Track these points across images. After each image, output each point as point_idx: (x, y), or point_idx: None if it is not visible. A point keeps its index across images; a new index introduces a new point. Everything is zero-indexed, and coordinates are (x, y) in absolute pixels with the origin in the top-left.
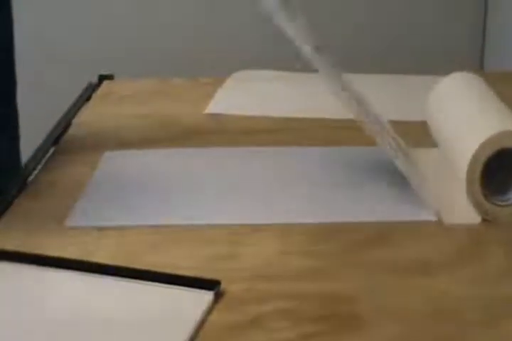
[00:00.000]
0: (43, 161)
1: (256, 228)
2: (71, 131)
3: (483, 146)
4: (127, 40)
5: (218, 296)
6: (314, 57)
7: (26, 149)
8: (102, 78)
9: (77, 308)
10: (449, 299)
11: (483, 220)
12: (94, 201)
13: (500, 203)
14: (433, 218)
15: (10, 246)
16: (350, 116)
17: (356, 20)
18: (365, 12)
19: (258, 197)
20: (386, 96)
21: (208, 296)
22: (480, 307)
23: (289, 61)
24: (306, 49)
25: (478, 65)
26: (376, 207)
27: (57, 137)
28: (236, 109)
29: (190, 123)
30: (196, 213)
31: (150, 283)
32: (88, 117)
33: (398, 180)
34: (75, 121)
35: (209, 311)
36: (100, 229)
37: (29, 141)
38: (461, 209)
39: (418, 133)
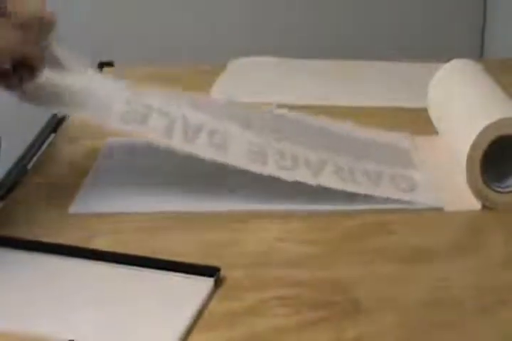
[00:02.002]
0: (43, 148)
1: (255, 215)
2: (71, 117)
3: (483, 133)
4: (127, 27)
5: (218, 283)
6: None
7: (26, 136)
8: (102, 65)
9: (75, 295)
10: (448, 287)
11: (484, 207)
12: (96, 188)
13: (500, 190)
14: (433, 205)
15: (10, 232)
16: (350, 102)
17: (358, 8)
18: (364, 1)
19: (258, 184)
20: (387, 84)
21: (208, 283)
22: (479, 295)
23: (289, 48)
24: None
25: (478, 52)
26: (375, 195)
27: (57, 124)
28: (236, 95)
29: None
30: (196, 200)
31: (150, 270)
32: None
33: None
34: None
35: (209, 298)
36: (101, 215)
37: (29, 127)
38: (461, 196)
39: (419, 121)
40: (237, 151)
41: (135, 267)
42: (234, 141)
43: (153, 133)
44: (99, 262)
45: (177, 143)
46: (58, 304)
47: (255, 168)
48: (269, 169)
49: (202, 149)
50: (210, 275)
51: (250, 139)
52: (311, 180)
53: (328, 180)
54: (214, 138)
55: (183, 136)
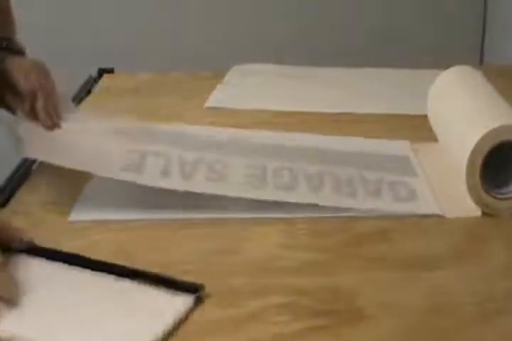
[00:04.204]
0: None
1: (257, 222)
2: None
3: (482, 140)
4: (127, 34)
5: (199, 301)
6: None
7: None
8: (102, 72)
9: (58, 301)
10: (448, 294)
11: (484, 213)
12: (96, 195)
13: (500, 196)
14: (434, 212)
15: None
16: (350, 109)
17: (356, 14)
18: (363, 8)
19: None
20: (387, 90)
21: (188, 300)
22: (478, 302)
23: (289, 56)
24: None
25: (477, 59)
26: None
27: None
28: (236, 102)
29: (191, 116)
30: (199, 207)
31: (135, 282)
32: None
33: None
34: None
35: (187, 314)
36: (101, 223)
37: None
38: (461, 202)
39: (419, 127)
40: (236, 178)
41: (121, 278)
42: (231, 168)
43: (150, 179)
44: (85, 270)
45: (175, 181)
46: (38, 307)
47: (255, 194)
48: (269, 192)
49: (201, 185)
50: (193, 292)
51: (247, 162)
52: (311, 199)
53: (328, 197)
54: (213, 169)
55: (181, 173)
